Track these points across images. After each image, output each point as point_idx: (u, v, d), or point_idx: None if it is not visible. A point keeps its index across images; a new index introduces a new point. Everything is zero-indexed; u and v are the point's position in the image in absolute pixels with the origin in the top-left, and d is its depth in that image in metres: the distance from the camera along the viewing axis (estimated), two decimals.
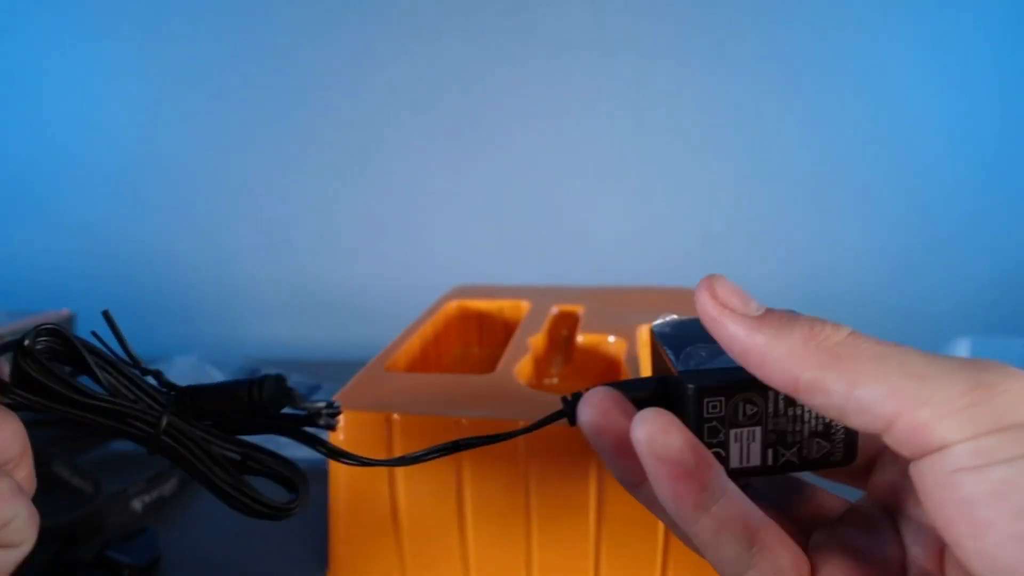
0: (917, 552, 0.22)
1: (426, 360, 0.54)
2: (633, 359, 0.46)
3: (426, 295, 0.63)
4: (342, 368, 0.76)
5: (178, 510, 0.50)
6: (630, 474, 0.23)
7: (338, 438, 0.39)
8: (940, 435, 0.17)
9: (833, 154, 0.87)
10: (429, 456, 0.25)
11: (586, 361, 0.53)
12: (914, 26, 0.84)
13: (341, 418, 0.38)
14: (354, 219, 0.91)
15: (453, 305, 0.61)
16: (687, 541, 0.23)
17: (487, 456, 0.37)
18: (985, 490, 0.16)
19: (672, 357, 0.24)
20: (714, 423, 0.23)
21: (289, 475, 0.26)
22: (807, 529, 0.24)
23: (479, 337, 0.63)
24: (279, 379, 0.24)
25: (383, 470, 0.38)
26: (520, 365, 0.45)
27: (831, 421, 0.23)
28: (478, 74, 0.87)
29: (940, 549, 0.21)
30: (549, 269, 0.90)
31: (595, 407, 0.23)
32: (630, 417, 0.22)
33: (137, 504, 0.48)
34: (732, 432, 0.23)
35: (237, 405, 0.24)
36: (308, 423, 0.25)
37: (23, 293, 0.93)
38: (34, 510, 0.22)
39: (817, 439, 0.24)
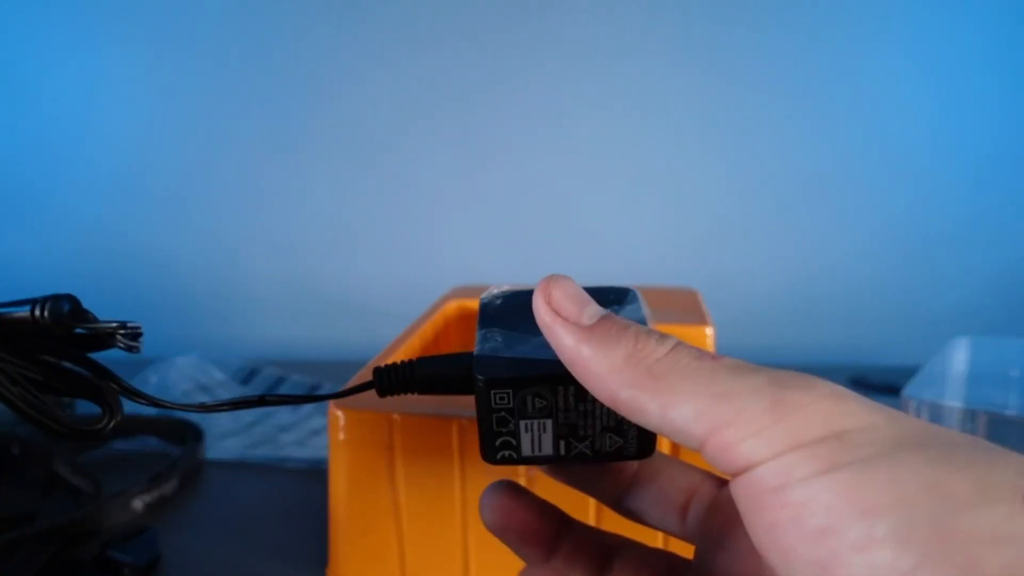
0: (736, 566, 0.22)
1: None
2: None
3: (426, 295, 0.63)
4: (342, 368, 0.76)
5: (178, 510, 0.50)
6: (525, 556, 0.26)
7: (338, 438, 0.39)
8: (745, 456, 0.17)
9: (832, 155, 0.87)
10: (231, 407, 0.26)
11: None
12: (912, 26, 0.84)
13: (342, 416, 0.38)
14: (354, 219, 0.91)
15: (453, 305, 0.61)
16: None
17: None
18: (786, 515, 0.16)
19: (478, 335, 0.24)
20: (503, 413, 0.23)
21: (102, 394, 0.25)
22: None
23: None
24: (69, 297, 0.24)
25: (383, 469, 0.38)
26: None
27: (623, 418, 0.22)
28: (479, 76, 0.87)
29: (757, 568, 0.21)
30: (549, 269, 0.90)
31: (496, 511, 0.25)
32: (528, 511, 0.25)
33: (138, 504, 0.48)
34: (522, 423, 0.23)
35: (23, 327, 0.24)
36: (101, 345, 0.25)
37: (23, 292, 0.93)
38: None
39: (609, 433, 0.23)
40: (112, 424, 0.25)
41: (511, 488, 0.25)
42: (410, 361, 0.25)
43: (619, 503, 0.26)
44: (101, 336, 0.24)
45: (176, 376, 0.70)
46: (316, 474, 0.54)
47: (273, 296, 0.92)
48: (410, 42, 0.86)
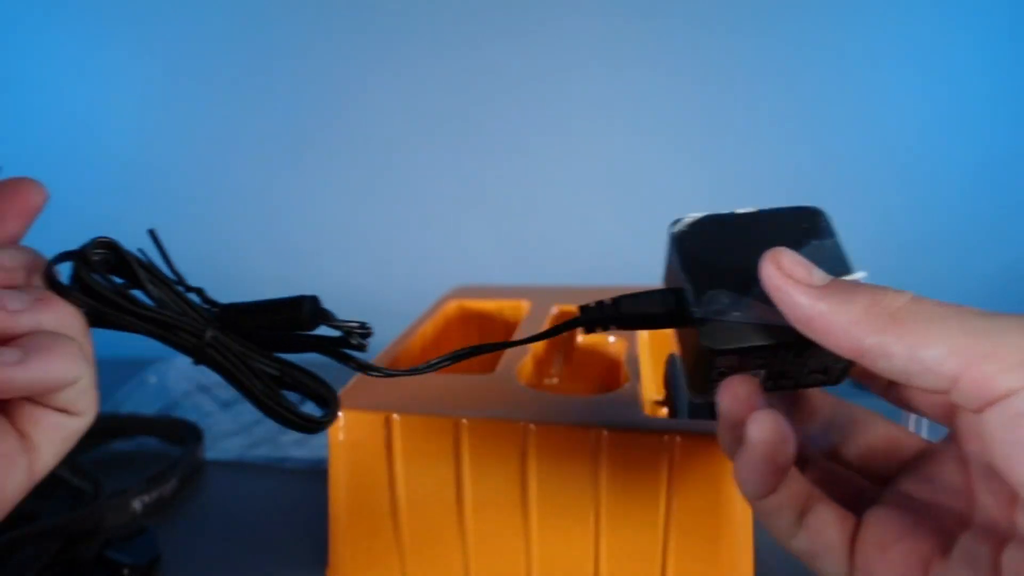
0: (988, 501, 0.22)
1: (426, 360, 0.54)
2: (633, 359, 0.46)
3: (426, 295, 0.63)
4: (342, 368, 0.76)
5: (178, 510, 0.50)
6: (726, 444, 0.25)
7: (338, 438, 0.39)
8: (1003, 385, 0.18)
9: (831, 154, 0.87)
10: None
11: (586, 361, 0.53)
12: (909, 27, 0.84)
13: (342, 416, 0.38)
14: (355, 219, 0.91)
15: (453, 305, 0.61)
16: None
17: (488, 454, 0.37)
18: None
19: (691, 294, 0.24)
20: (724, 370, 0.24)
21: (323, 393, 0.27)
22: (873, 470, 0.26)
23: (479, 337, 0.63)
24: (315, 299, 0.26)
25: (383, 469, 0.38)
26: (520, 365, 0.45)
27: (829, 363, 0.24)
28: (480, 78, 0.87)
29: (1012, 499, 0.22)
30: (549, 269, 0.90)
31: (733, 397, 0.25)
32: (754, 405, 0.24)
33: (137, 504, 0.48)
34: (738, 373, 0.25)
35: (275, 321, 0.26)
36: (342, 343, 0.26)
37: None
38: (95, 384, 0.23)
39: (814, 373, 0.25)
40: (331, 419, 0.27)
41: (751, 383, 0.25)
42: (614, 299, 0.27)
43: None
44: (345, 335, 0.26)
45: (175, 377, 0.70)
46: (316, 474, 0.54)
47: (273, 296, 0.92)
48: (412, 46, 0.86)
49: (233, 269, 0.92)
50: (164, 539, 0.45)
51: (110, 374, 0.70)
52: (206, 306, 0.26)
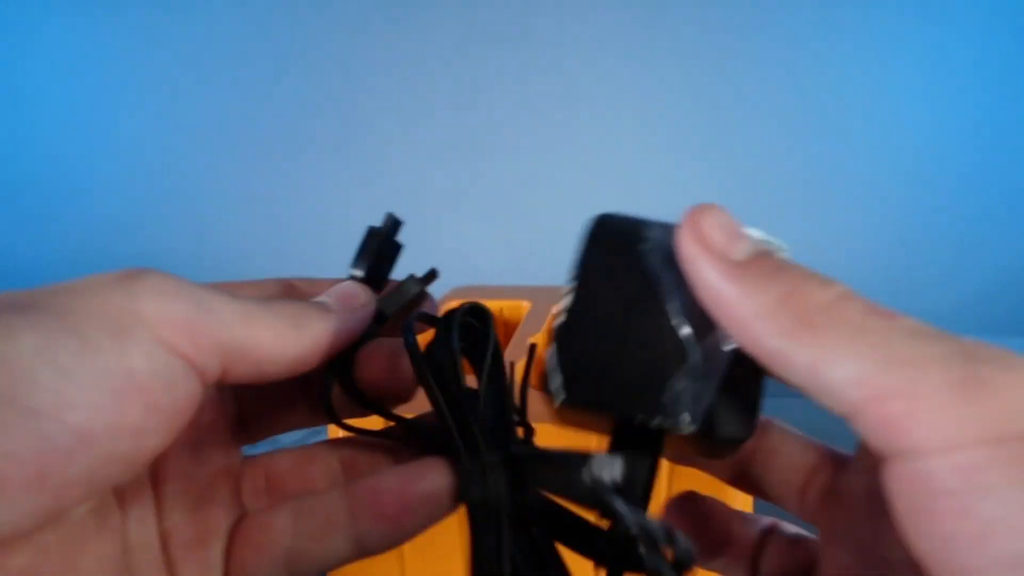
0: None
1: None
2: None
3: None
4: None
5: None
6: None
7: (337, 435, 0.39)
8: (914, 437, 0.13)
9: (831, 155, 0.87)
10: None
11: None
12: (911, 27, 0.84)
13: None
14: (354, 219, 0.91)
15: (453, 305, 0.61)
16: None
17: None
18: (965, 530, 0.13)
19: (637, 415, 0.18)
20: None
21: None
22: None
23: None
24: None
25: None
26: (520, 366, 0.45)
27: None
28: (480, 78, 0.87)
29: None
30: (549, 269, 0.90)
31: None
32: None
33: None
34: None
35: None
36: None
37: None
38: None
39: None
40: None
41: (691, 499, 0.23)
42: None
43: (737, 478, 0.23)
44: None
45: None
46: None
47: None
48: (413, 45, 0.86)
49: (231, 267, 0.92)
50: None
51: None
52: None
